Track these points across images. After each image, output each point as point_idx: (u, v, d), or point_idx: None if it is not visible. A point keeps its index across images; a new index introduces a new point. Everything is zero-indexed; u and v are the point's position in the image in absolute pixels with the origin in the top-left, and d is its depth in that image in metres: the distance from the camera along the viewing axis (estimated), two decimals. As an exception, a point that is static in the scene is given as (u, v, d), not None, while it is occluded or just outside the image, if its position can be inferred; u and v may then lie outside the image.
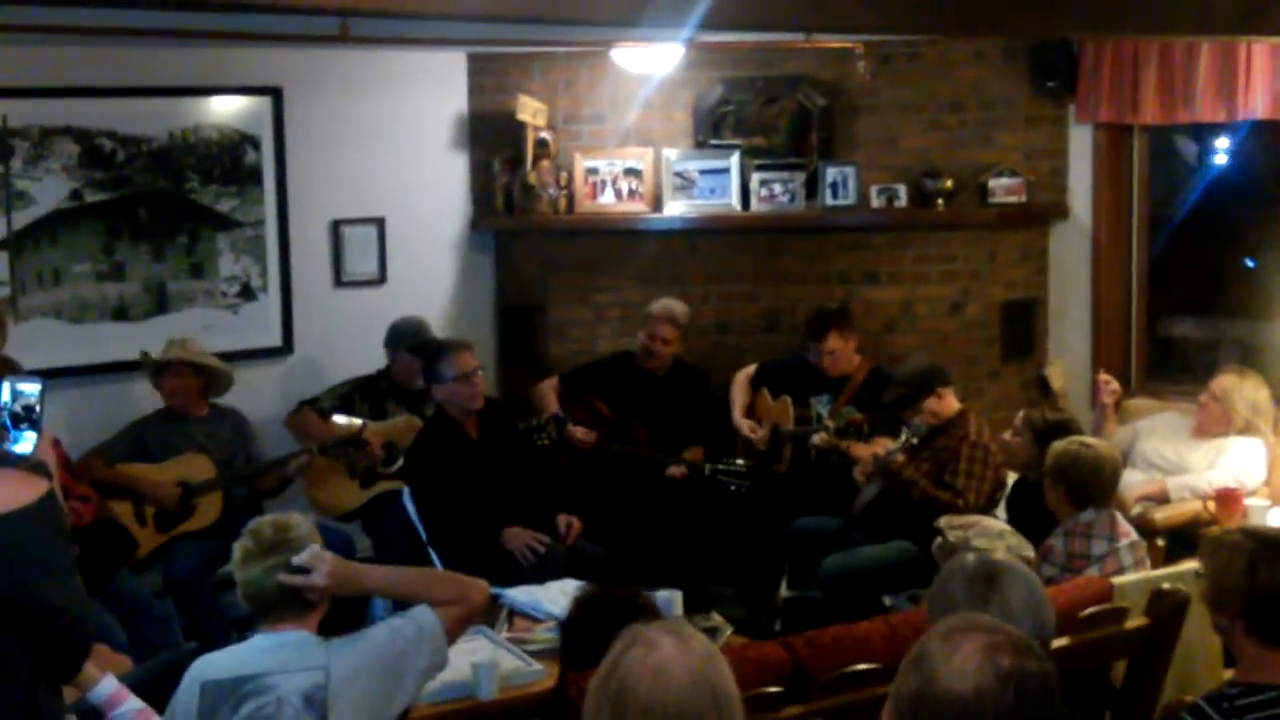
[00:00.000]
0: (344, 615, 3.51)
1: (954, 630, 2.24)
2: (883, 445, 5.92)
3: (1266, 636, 3.21)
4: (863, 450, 6.04)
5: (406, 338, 6.50)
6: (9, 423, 2.62)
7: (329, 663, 3.29)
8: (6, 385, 2.64)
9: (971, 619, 2.32)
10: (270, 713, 3.22)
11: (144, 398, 6.19)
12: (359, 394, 6.49)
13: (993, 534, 4.88)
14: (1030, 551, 4.83)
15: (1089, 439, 5.00)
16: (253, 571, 3.34)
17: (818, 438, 6.21)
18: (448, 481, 5.67)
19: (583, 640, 3.40)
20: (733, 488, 6.33)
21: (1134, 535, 4.73)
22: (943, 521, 4.81)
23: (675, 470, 6.49)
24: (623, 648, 2.29)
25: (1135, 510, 5.62)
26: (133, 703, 3.51)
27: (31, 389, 2.64)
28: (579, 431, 6.54)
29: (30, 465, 2.59)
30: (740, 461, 6.44)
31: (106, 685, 3.50)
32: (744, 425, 6.64)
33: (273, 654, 3.31)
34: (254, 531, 3.41)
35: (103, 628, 4.65)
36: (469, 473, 5.69)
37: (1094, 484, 4.69)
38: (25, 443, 2.62)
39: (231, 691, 3.25)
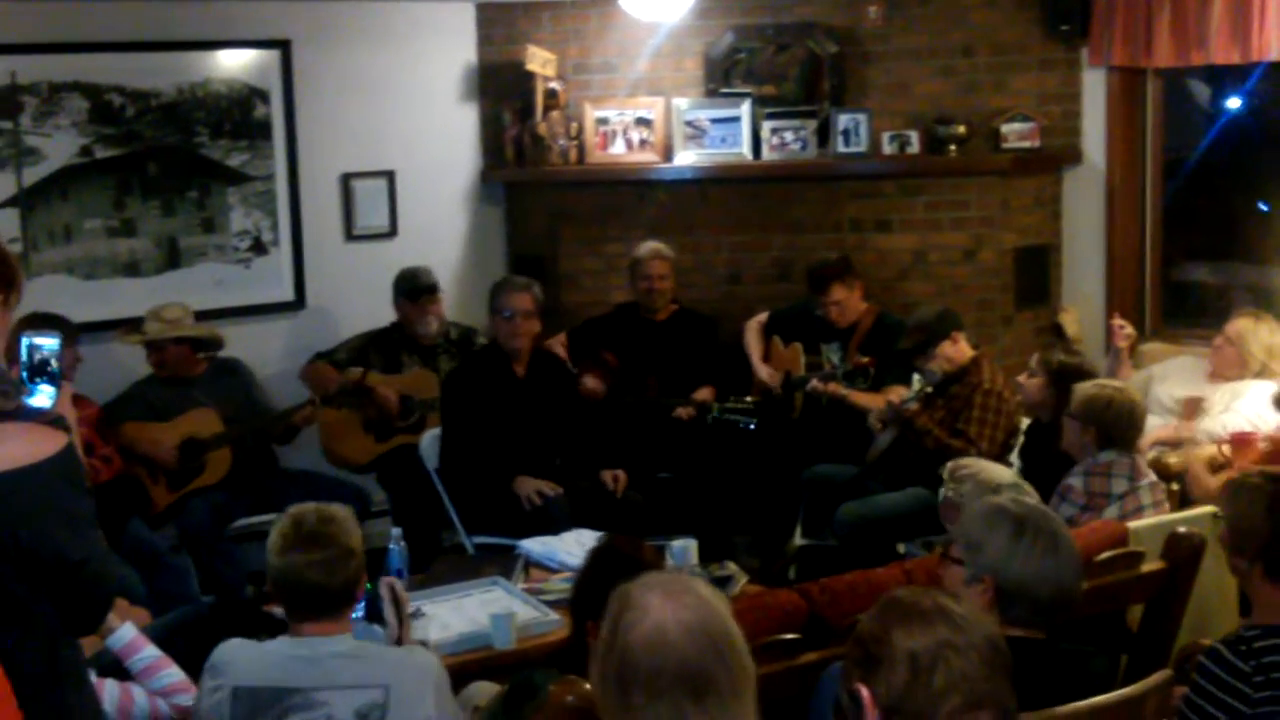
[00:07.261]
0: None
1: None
2: (896, 394, 5.93)
3: (1284, 579, 3.22)
4: (867, 399, 6.04)
5: (403, 285, 6.52)
6: (27, 377, 2.63)
7: (389, 681, 3.11)
8: (25, 340, 2.65)
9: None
10: None
11: (156, 353, 6.19)
12: (373, 347, 6.48)
13: (988, 489, 4.73)
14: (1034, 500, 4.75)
15: (1116, 382, 5.00)
16: (291, 561, 3.19)
17: (814, 384, 6.21)
18: (476, 408, 5.69)
19: (590, 593, 3.42)
20: (741, 424, 6.31)
21: (1153, 477, 4.76)
22: (945, 470, 4.76)
23: (682, 412, 6.49)
24: (615, 615, 2.24)
25: (1150, 454, 5.62)
26: (151, 650, 3.54)
27: (49, 343, 2.65)
28: (589, 381, 6.54)
29: (49, 419, 2.59)
30: (749, 398, 6.42)
31: (125, 632, 3.53)
32: (763, 371, 6.63)
33: (319, 665, 3.13)
34: (295, 517, 3.26)
35: (123, 581, 4.67)
36: (501, 406, 5.71)
37: (1126, 428, 4.73)
38: (43, 396, 2.62)
39: (272, 702, 3.09)
